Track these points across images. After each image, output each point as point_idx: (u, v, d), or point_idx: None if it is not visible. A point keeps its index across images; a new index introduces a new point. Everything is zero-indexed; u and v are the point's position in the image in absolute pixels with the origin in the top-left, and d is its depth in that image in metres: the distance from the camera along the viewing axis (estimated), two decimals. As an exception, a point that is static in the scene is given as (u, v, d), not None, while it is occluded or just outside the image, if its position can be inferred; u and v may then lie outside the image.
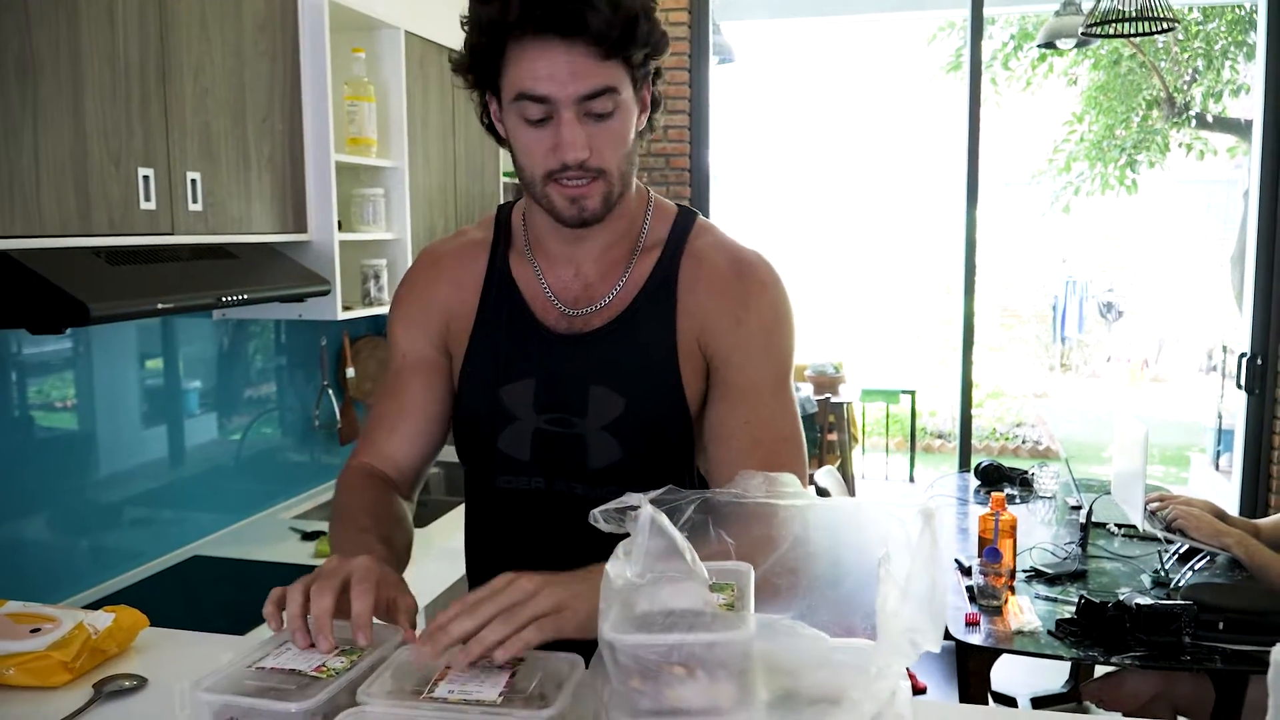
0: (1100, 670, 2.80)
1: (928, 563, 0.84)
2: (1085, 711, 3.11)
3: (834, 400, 6.30)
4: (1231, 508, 3.89)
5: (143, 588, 2.42)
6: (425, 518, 3.04)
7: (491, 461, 1.33)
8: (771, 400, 1.27)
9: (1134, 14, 3.37)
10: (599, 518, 0.91)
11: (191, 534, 2.73)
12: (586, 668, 0.94)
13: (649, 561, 0.84)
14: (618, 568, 0.85)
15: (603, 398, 1.26)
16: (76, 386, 2.38)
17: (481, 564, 1.43)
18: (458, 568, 2.80)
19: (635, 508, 0.87)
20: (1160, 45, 8.23)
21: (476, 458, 1.35)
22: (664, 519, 0.86)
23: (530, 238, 1.33)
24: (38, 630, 1.12)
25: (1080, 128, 8.87)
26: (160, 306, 1.93)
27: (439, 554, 2.78)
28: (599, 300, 1.29)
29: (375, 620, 1.01)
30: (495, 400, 1.30)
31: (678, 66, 4.33)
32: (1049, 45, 4.81)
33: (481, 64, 1.17)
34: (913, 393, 6.49)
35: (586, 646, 0.91)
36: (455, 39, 3.36)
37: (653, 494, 0.94)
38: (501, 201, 3.76)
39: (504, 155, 3.75)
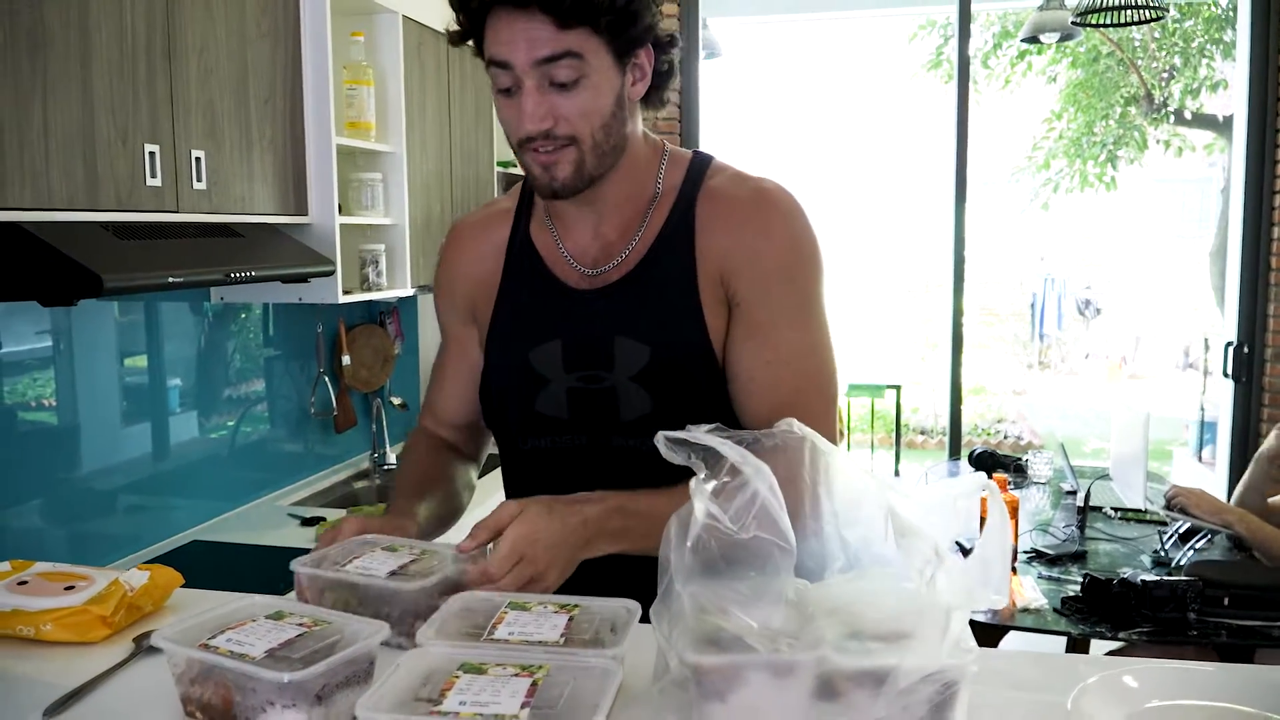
0: (1107, 646, 2.82)
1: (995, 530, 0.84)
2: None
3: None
4: (1219, 498, 3.93)
5: (145, 572, 2.39)
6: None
7: (532, 425, 1.32)
8: (793, 334, 1.24)
9: (1123, 2, 3.41)
10: (663, 441, 0.87)
11: (189, 520, 2.70)
12: (644, 615, 0.94)
13: (737, 510, 0.82)
14: (702, 506, 0.82)
15: (628, 348, 1.25)
16: (71, 375, 2.34)
17: None
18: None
19: (698, 446, 0.85)
20: (1138, 43, 8.32)
21: (513, 423, 1.35)
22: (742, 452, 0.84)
23: (550, 204, 1.33)
24: (72, 588, 1.11)
25: (1060, 125, 8.96)
26: (171, 280, 1.91)
27: (464, 526, 2.76)
28: (617, 255, 1.28)
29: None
30: (525, 365, 1.30)
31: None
32: (1033, 40, 4.84)
33: (465, 36, 1.20)
34: (898, 388, 6.51)
35: (645, 593, 0.90)
36: (452, 24, 3.36)
37: (705, 428, 0.89)
38: (495, 189, 3.75)
39: (499, 141, 3.76)
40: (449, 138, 3.36)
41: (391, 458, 3.38)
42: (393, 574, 1.05)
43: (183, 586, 1.24)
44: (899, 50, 9.67)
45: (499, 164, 3.83)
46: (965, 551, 0.90)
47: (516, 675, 0.81)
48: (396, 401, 3.59)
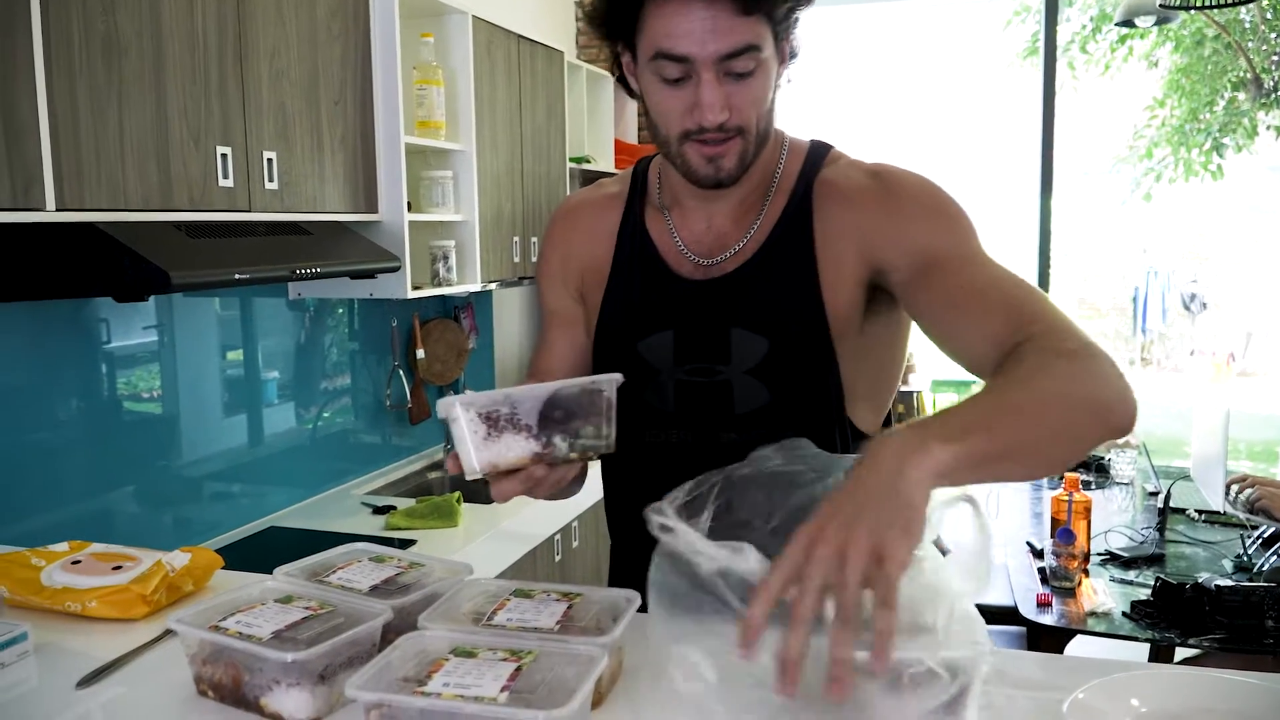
0: (1180, 654, 2.73)
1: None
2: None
3: (903, 389, 6.24)
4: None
5: (223, 553, 2.49)
6: (490, 496, 3.08)
7: (635, 417, 1.28)
8: (975, 260, 1.15)
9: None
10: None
11: (268, 507, 2.81)
12: (643, 604, 0.96)
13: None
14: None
15: (745, 341, 1.23)
16: (161, 369, 2.46)
17: (625, 525, 1.39)
18: (519, 548, 2.87)
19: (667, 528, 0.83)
20: (1247, 25, 7.97)
21: (618, 414, 1.29)
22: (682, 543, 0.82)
23: (665, 192, 1.31)
24: (119, 568, 1.17)
25: (1162, 112, 8.63)
26: (238, 276, 1.99)
27: (502, 534, 2.82)
28: (732, 245, 1.26)
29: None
30: (634, 356, 1.28)
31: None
32: (1128, 24, 4.68)
33: (617, 20, 1.15)
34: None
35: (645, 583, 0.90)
36: (522, 23, 3.42)
37: (677, 495, 0.92)
38: (568, 185, 3.80)
39: (570, 138, 3.79)
40: (520, 135, 3.42)
41: (464, 449, 3.44)
42: (375, 588, 1.04)
43: (225, 568, 1.30)
44: (993, 38, 9.44)
45: (571, 159, 3.88)
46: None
47: (504, 660, 0.84)
48: (471, 394, 3.66)
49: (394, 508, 2.85)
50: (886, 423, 1.35)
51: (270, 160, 2.24)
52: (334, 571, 1.06)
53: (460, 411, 0.97)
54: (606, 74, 4.26)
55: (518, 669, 0.82)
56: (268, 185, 2.24)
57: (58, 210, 1.72)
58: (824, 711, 0.77)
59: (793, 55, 1.20)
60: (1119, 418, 0.94)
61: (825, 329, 1.22)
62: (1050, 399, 0.91)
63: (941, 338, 1.15)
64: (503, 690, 0.79)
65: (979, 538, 0.82)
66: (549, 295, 1.40)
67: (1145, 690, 0.89)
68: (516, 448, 1.00)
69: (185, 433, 2.52)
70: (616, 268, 1.32)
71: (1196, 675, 0.93)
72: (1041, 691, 0.94)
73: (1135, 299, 10.97)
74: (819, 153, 1.29)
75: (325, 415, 3.05)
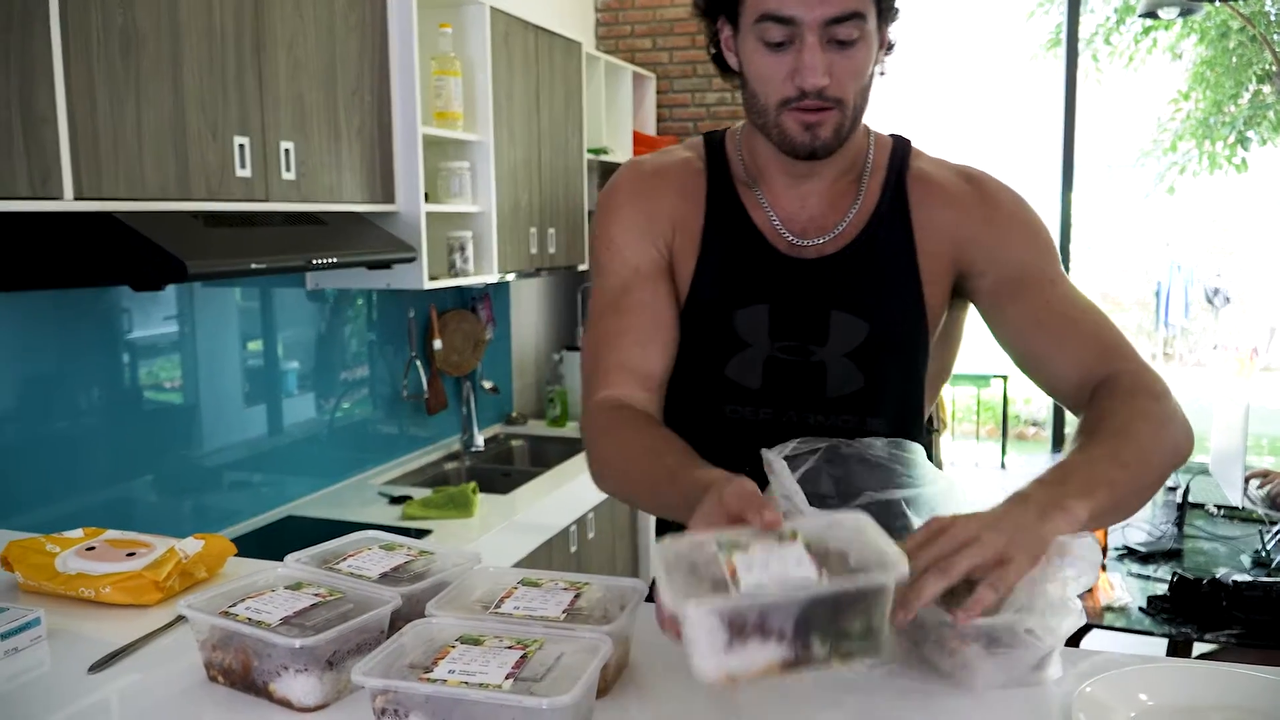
0: (1200, 650, 2.71)
1: None
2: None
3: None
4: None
5: (241, 542, 2.51)
6: (507, 486, 3.10)
7: (717, 390, 1.26)
8: (1061, 282, 1.21)
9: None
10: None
11: (286, 496, 2.83)
12: (650, 595, 0.96)
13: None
14: None
15: (845, 323, 1.22)
16: (182, 359, 2.48)
17: None
18: (534, 539, 2.88)
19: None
20: (1272, 17, 7.88)
21: (699, 385, 1.28)
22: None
23: (751, 168, 1.28)
24: (133, 554, 1.19)
25: (1186, 105, 8.54)
26: (253, 266, 2.00)
27: (518, 524, 2.83)
28: (830, 228, 1.25)
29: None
30: (727, 326, 1.25)
31: (763, 42, 4.30)
32: (1151, 15, 4.64)
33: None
34: (1004, 377, 6.33)
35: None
36: (540, 14, 3.42)
37: (785, 447, 1.03)
38: (585, 176, 3.80)
39: (589, 130, 3.79)
40: (537, 126, 3.42)
41: (480, 440, 3.46)
42: (385, 576, 1.05)
43: (242, 556, 1.31)
44: (1017, 29, 9.37)
45: (589, 151, 3.87)
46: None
47: (510, 648, 0.84)
48: (487, 385, 3.67)
49: (410, 497, 2.86)
50: (928, 422, 1.36)
51: (287, 150, 2.25)
52: (344, 559, 1.07)
53: (695, 615, 0.76)
54: (626, 65, 4.26)
55: (523, 657, 0.83)
56: (285, 175, 2.25)
57: (76, 200, 1.74)
58: (930, 669, 0.92)
59: (890, 46, 1.20)
60: (1187, 453, 1.10)
61: (923, 318, 1.23)
62: (1150, 453, 1.05)
63: (1024, 355, 1.21)
64: (507, 677, 0.79)
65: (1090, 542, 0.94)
66: (630, 252, 1.28)
67: (1154, 684, 0.89)
68: (763, 656, 0.77)
69: (205, 422, 2.54)
70: (709, 234, 1.27)
71: (1206, 670, 0.93)
72: (1052, 684, 0.94)
73: (1158, 293, 10.88)
74: (902, 145, 1.30)
75: (343, 405, 3.06)
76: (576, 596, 0.97)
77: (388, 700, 0.80)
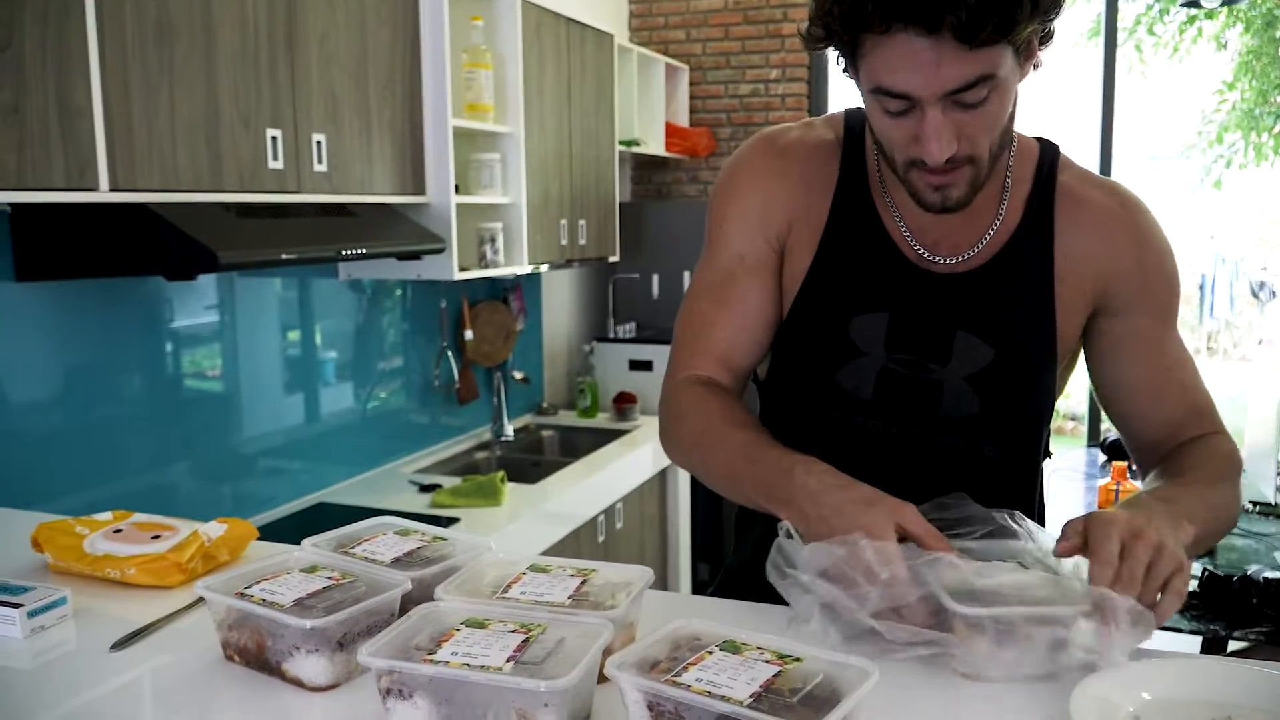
0: (1233, 647, 2.68)
1: None
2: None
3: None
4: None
5: (274, 527, 2.57)
6: (536, 476, 3.12)
7: (825, 397, 1.20)
8: (1174, 333, 1.21)
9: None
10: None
11: (319, 483, 2.88)
12: (658, 581, 0.97)
13: None
14: None
15: (970, 346, 1.16)
16: (222, 348, 2.53)
17: None
18: (562, 528, 2.90)
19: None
20: (1323, 4, 7.71)
21: (805, 390, 1.22)
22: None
23: (885, 172, 1.19)
24: (158, 537, 1.22)
25: (1232, 96, 8.38)
26: (284, 257, 2.04)
27: (546, 514, 2.85)
28: (966, 247, 1.17)
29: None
30: (842, 331, 1.18)
31: (796, 34, 4.28)
32: (1193, 4, 4.57)
33: (837, 48, 1.05)
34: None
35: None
36: (573, 6, 3.43)
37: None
38: (616, 168, 3.81)
39: (620, 121, 3.80)
40: (568, 119, 3.43)
41: (510, 430, 3.49)
42: (397, 560, 1.06)
43: (273, 540, 1.34)
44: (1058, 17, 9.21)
45: (621, 143, 3.89)
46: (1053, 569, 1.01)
47: (514, 631, 0.86)
48: (518, 376, 3.70)
49: (440, 486, 2.89)
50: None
51: (319, 142, 2.29)
52: (360, 543, 1.09)
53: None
54: (659, 56, 4.26)
55: (525, 640, 0.84)
56: (316, 167, 2.28)
57: (111, 191, 1.78)
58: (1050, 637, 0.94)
59: (1047, 38, 1.06)
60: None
61: (1053, 349, 1.17)
62: (1230, 501, 1.13)
63: (1116, 400, 1.23)
64: (508, 660, 0.81)
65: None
66: (738, 236, 1.22)
67: (1157, 679, 0.89)
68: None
69: (241, 409, 2.59)
70: (833, 229, 1.20)
71: (1213, 665, 0.92)
72: (1055, 677, 0.94)
73: (1202, 286, 10.70)
74: (1050, 153, 1.22)
75: (376, 395, 3.11)
76: (583, 583, 0.98)
77: (392, 681, 0.82)
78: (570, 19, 3.42)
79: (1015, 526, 1.06)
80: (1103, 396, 1.25)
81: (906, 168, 1.07)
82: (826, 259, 1.19)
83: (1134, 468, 3.49)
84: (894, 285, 1.18)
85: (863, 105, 1.13)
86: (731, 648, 0.83)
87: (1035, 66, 1.07)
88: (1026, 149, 1.22)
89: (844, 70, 1.09)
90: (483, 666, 0.80)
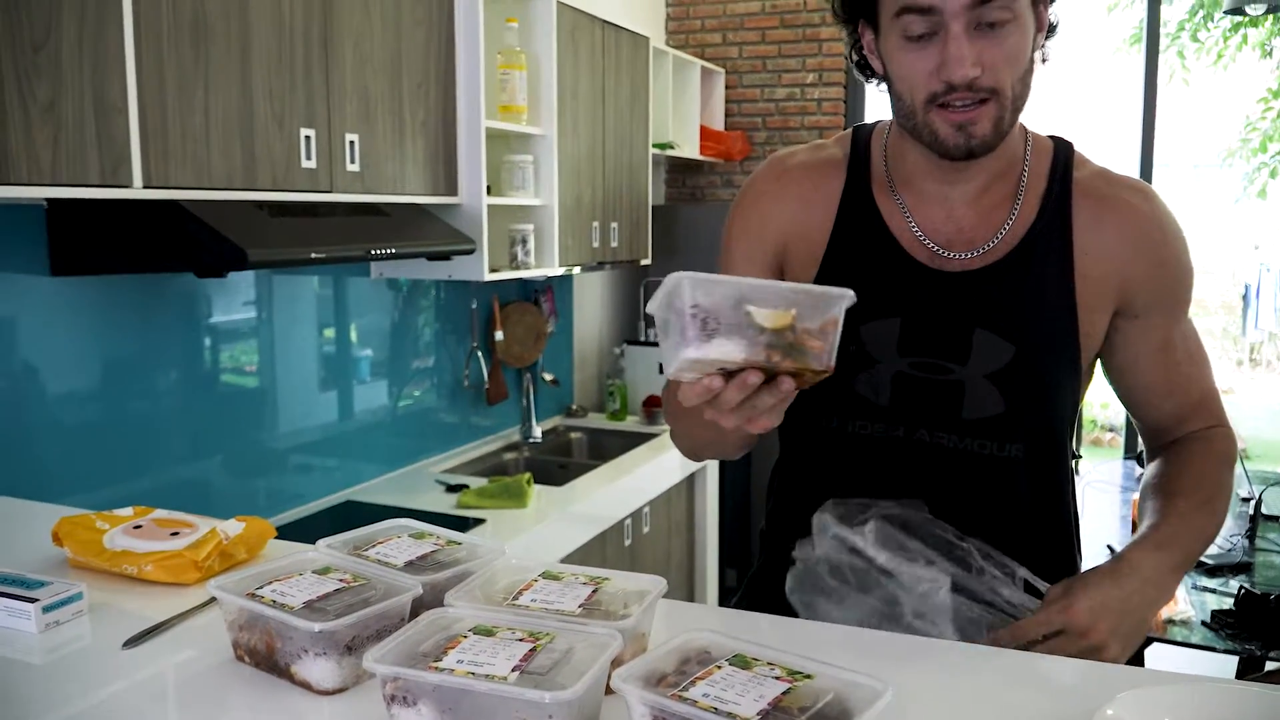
0: (1270, 667, 2.62)
1: None
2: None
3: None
4: None
5: (301, 524, 2.59)
6: (564, 478, 3.12)
7: (840, 405, 1.21)
8: (1187, 326, 1.23)
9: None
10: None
11: (348, 481, 2.89)
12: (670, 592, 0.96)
13: None
14: None
15: (988, 344, 1.16)
16: (259, 345, 2.55)
17: (802, 510, 1.19)
18: (588, 531, 2.89)
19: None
20: (1374, 13, 7.53)
21: (820, 400, 1.19)
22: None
23: (895, 172, 1.21)
24: (177, 534, 1.22)
25: (1277, 104, 8.22)
26: (313, 255, 2.05)
27: (572, 516, 2.85)
28: (981, 243, 1.17)
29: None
30: (854, 339, 1.17)
31: (833, 39, 4.26)
32: (1237, 11, 4.48)
33: None
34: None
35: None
36: (609, 9, 3.42)
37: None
38: (650, 171, 3.80)
39: (655, 124, 3.79)
40: (602, 121, 3.43)
41: (538, 432, 3.49)
42: (410, 564, 1.06)
43: (299, 539, 1.34)
44: (1099, 23, 9.11)
45: (655, 146, 3.88)
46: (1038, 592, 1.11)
47: (521, 640, 0.85)
48: (548, 378, 3.70)
49: (467, 486, 2.90)
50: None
51: (352, 142, 2.30)
52: (374, 546, 1.09)
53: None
54: (694, 59, 4.25)
55: (533, 649, 0.83)
56: (349, 167, 2.29)
57: (145, 188, 1.79)
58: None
59: (1051, 29, 1.12)
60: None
61: (1075, 346, 1.17)
62: (1219, 516, 1.19)
63: (1129, 388, 1.26)
64: (514, 670, 0.80)
65: None
66: (738, 257, 1.27)
67: (1182, 705, 0.86)
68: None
69: (272, 406, 2.61)
70: (837, 241, 1.21)
71: (1237, 690, 0.90)
72: (1076, 701, 0.92)
73: (1245, 296, 10.50)
74: (1064, 149, 1.22)
75: (406, 394, 3.12)
76: (595, 591, 0.97)
77: (397, 688, 0.82)
78: (606, 21, 3.42)
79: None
80: (1113, 381, 1.28)
81: (927, 109, 1.08)
82: (832, 269, 1.21)
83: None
84: (905, 289, 1.18)
85: (876, 121, 1.24)
86: (741, 662, 0.81)
87: (1044, 59, 1.13)
88: (1041, 146, 1.22)
89: (857, 44, 1.16)
90: (488, 676, 0.79)
